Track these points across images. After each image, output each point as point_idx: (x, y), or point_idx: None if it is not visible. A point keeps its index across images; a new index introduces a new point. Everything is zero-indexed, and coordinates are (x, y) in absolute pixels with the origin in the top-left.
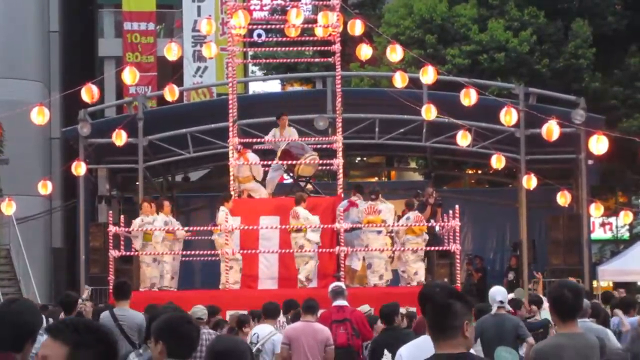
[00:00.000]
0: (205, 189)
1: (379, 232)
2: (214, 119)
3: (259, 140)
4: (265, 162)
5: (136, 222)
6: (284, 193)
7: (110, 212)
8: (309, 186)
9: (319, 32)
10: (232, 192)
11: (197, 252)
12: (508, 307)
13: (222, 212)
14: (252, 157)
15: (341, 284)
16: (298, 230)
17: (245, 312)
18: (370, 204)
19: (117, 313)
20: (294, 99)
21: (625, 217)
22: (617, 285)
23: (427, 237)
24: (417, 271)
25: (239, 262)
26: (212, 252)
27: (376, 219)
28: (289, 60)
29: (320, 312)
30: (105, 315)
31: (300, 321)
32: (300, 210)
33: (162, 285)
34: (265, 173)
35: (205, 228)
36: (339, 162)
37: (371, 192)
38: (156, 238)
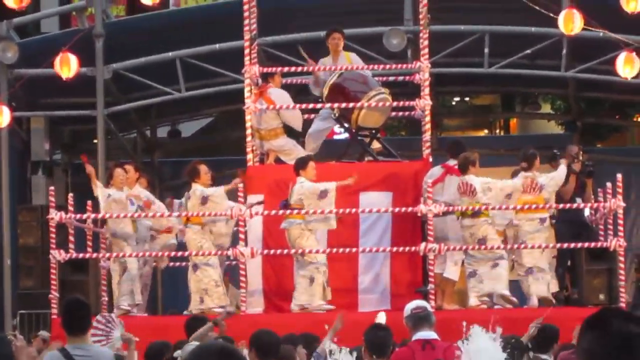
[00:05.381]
0: (206, 150)
1: (542, 220)
2: (219, 36)
3: (292, 69)
4: (304, 106)
5: (102, 194)
6: (333, 156)
7: (52, 188)
8: (376, 144)
9: None
10: (252, 155)
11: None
12: None
13: (301, 186)
14: (277, 94)
15: (426, 304)
16: (475, 215)
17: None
18: (524, 175)
19: (74, 352)
20: (351, 2)
21: None
22: None
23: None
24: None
25: (324, 267)
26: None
27: (537, 199)
28: None
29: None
30: (53, 358)
31: None
32: (475, 179)
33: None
34: (306, 123)
35: (277, 212)
36: (424, 104)
37: (524, 158)
38: (218, 227)
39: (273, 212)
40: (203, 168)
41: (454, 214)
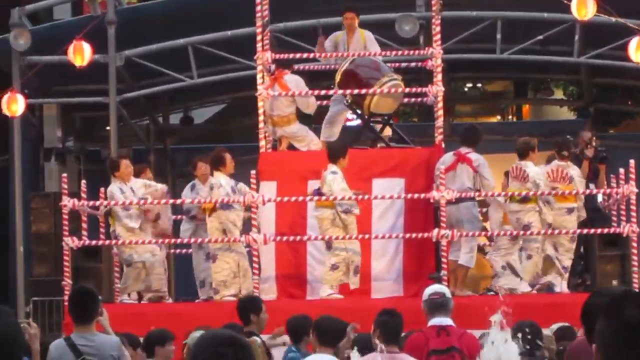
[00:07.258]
0: (219, 138)
1: (570, 210)
2: (231, 22)
3: (305, 56)
4: (317, 92)
5: (114, 191)
6: (345, 142)
7: (65, 175)
8: (388, 130)
9: None
10: (264, 142)
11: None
12: None
13: (333, 177)
14: (292, 80)
15: (445, 289)
16: (525, 200)
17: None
18: (558, 165)
19: (78, 342)
20: None
21: None
22: None
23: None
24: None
25: (356, 254)
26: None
27: (566, 188)
28: None
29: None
30: (58, 347)
31: (377, 353)
32: (530, 167)
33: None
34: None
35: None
36: (437, 90)
37: (562, 147)
38: (231, 218)
39: (285, 198)
40: (228, 156)
41: (467, 200)
